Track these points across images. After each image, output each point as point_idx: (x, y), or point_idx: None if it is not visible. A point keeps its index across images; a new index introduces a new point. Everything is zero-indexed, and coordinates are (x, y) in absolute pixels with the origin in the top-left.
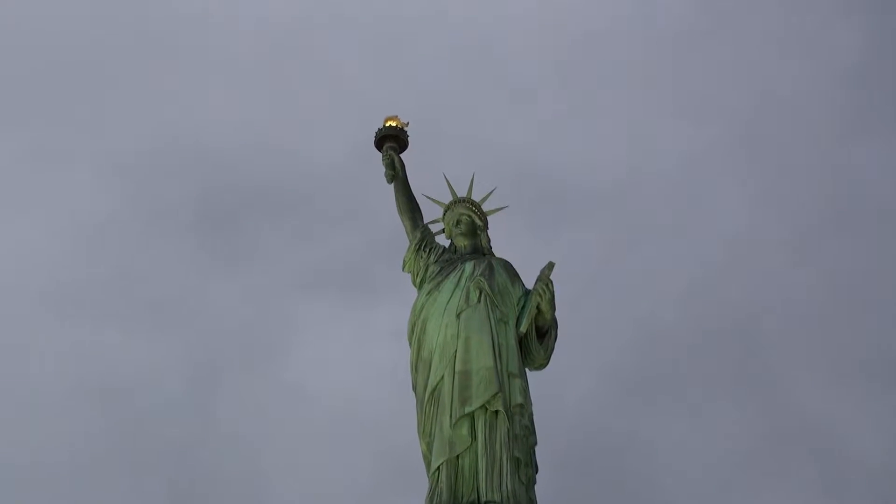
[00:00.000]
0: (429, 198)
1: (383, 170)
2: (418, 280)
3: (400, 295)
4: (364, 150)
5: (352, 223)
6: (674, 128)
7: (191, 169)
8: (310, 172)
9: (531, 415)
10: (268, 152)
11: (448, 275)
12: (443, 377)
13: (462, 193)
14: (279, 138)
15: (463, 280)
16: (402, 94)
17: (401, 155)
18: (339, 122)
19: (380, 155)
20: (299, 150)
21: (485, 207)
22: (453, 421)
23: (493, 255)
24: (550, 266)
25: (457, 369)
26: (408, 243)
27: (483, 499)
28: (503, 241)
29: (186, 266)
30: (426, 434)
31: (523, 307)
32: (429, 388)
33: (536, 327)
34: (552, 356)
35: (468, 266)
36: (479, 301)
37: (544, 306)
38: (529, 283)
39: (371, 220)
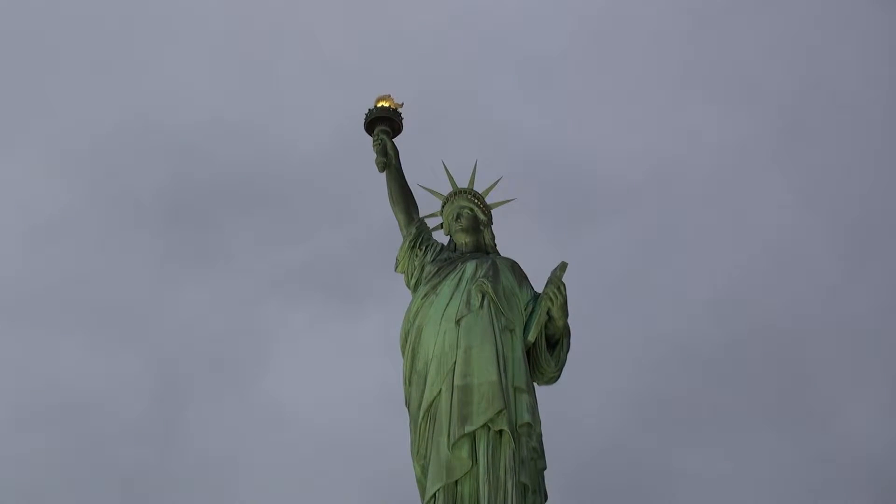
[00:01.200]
0: (425, 188)
1: (374, 157)
2: (413, 282)
3: (392, 300)
4: (353, 134)
5: (338, 219)
6: (714, 115)
7: (155, 156)
8: (291, 160)
9: (540, 435)
10: (243, 137)
11: (446, 276)
12: (440, 392)
13: (463, 183)
14: (256, 121)
15: (463, 282)
16: (395, 69)
17: (394, 140)
18: (324, 103)
19: (370, 140)
20: (279, 135)
21: (489, 200)
22: (452, 441)
23: (498, 254)
24: (563, 267)
25: (456, 383)
26: (401, 240)
27: None
28: (510, 238)
29: (150, 268)
30: (421, 456)
31: (532, 313)
32: (424, 405)
33: (546, 336)
34: (564, 369)
35: (469, 266)
36: (481, 306)
37: (556, 312)
38: (539, 286)
39: (360, 215)
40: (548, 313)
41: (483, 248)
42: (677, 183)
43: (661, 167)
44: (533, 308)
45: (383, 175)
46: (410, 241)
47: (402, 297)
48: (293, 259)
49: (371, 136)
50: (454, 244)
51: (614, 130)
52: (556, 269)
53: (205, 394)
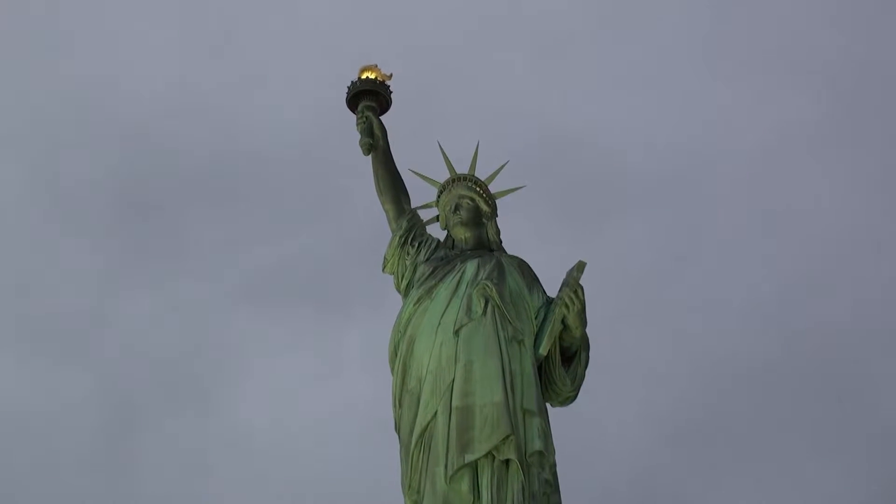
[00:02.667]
0: (418, 174)
1: (358, 137)
2: (404, 284)
3: (382, 307)
4: (339, 113)
5: (317, 214)
6: (752, 95)
7: (101, 142)
8: (265, 144)
9: (553, 466)
10: (206, 118)
11: (443, 278)
12: (436, 415)
13: (463, 169)
14: (224, 97)
15: (463, 285)
16: (386, 36)
17: (382, 117)
18: (306, 76)
19: (354, 118)
20: (248, 115)
21: (494, 188)
22: (450, 473)
23: (504, 251)
24: (580, 267)
25: (454, 405)
26: (390, 235)
27: None
28: (517, 234)
29: (96, 272)
30: (413, 490)
31: (544, 321)
32: (417, 430)
33: (561, 349)
34: (582, 388)
35: (470, 266)
36: (484, 313)
37: (572, 320)
38: (552, 290)
39: (347, 208)
40: (563, 321)
41: (486, 245)
42: (712, 172)
43: (693, 153)
44: (545, 315)
45: (369, 159)
46: (401, 237)
47: (393, 303)
48: (266, 261)
49: (355, 113)
50: (452, 240)
51: (639, 111)
52: (572, 269)
53: (159, 420)
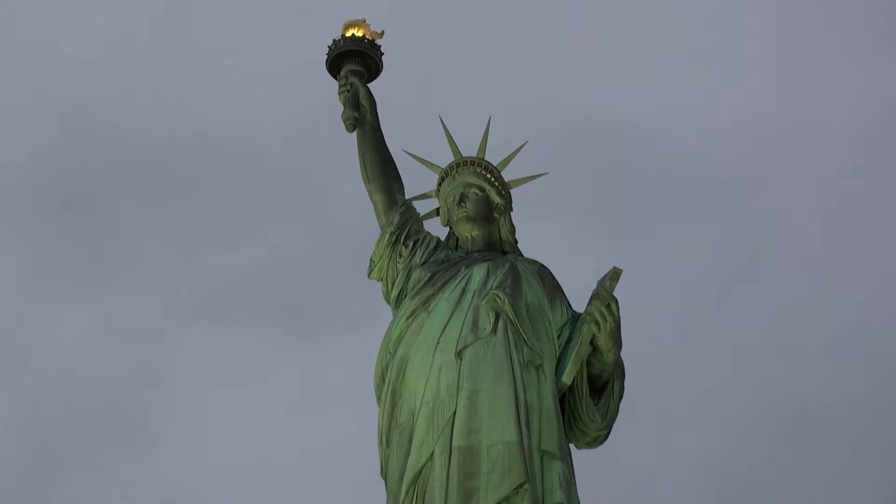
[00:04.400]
0: (414, 157)
1: (340, 110)
2: (395, 293)
3: (366, 326)
4: (315, 87)
5: (291, 212)
6: (853, 71)
7: (30, 119)
8: (227, 127)
9: None
10: (159, 94)
11: (444, 286)
12: (432, 456)
13: (471, 150)
14: (179, 73)
15: (468, 295)
16: None
17: (371, 85)
18: (277, 44)
19: (336, 87)
20: (211, 90)
21: (509, 175)
22: None
23: (520, 254)
24: (615, 275)
25: (456, 444)
26: (378, 233)
27: None
28: (538, 233)
29: (17, 282)
30: None
31: (568, 342)
32: (409, 474)
33: (589, 377)
34: (616, 425)
35: (478, 272)
36: (494, 331)
37: (603, 341)
38: (579, 304)
39: (324, 204)
40: (592, 342)
41: (497, 246)
42: (788, 166)
43: (766, 141)
44: (570, 335)
45: (354, 136)
46: (392, 234)
47: (383, 320)
48: (227, 269)
49: (337, 78)
50: (455, 239)
51: (698, 87)
52: (604, 278)
53: (92, 462)
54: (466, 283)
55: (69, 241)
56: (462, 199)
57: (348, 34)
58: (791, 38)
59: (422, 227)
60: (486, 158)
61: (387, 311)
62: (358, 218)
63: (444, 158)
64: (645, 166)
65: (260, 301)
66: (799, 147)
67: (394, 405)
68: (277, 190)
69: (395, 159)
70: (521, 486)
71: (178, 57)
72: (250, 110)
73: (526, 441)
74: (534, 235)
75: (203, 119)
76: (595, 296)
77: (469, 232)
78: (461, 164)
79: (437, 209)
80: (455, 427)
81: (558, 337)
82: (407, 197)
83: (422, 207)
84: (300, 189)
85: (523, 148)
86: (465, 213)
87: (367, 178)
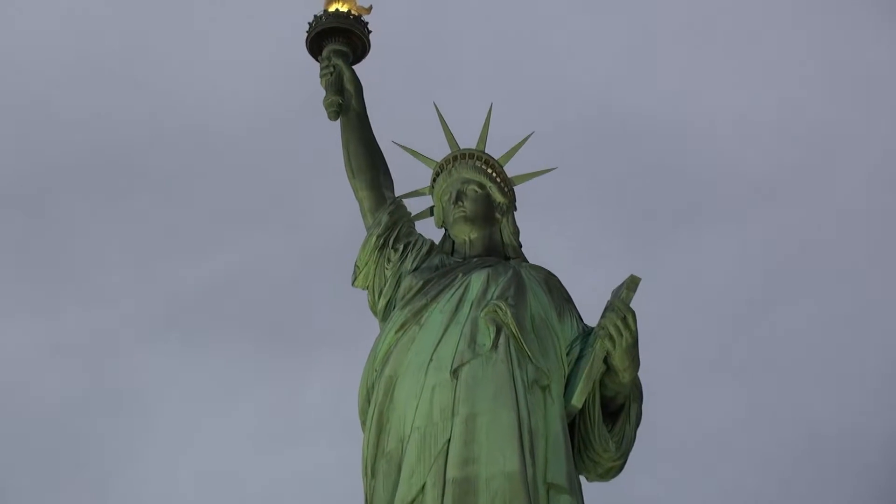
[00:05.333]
0: (406, 149)
1: (322, 95)
2: (382, 303)
3: (351, 343)
4: (294, 75)
5: (266, 215)
6: None
7: None
8: (190, 121)
9: None
10: (111, 85)
11: (438, 295)
12: (423, 489)
13: (469, 143)
14: (135, 57)
15: (466, 306)
16: None
17: (357, 67)
18: (246, 23)
19: (317, 69)
20: (172, 79)
21: (513, 171)
22: None
23: (525, 260)
24: (632, 284)
25: (450, 475)
26: (364, 235)
27: None
28: (547, 238)
29: None
30: None
31: (579, 360)
32: None
33: (603, 399)
34: (632, 454)
35: (477, 280)
36: (495, 347)
37: (618, 359)
38: (593, 318)
39: (302, 206)
40: (606, 360)
41: (499, 251)
42: (837, 166)
43: (812, 140)
44: (581, 352)
45: (338, 125)
46: (379, 236)
47: (369, 335)
48: (193, 280)
49: (318, 59)
50: (451, 243)
51: (735, 76)
52: (620, 287)
53: (34, 499)
54: (464, 293)
55: (10, 246)
56: (459, 196)
57: (331, 9)
58: (840, 23)
59: (413, 228)
60: (486, 151)
61: (374, 325)
62: (343, 219)
63: (440, 151)
64: (670, 165)
65: (230, 315)
66: (845, 148)
67: (380, 430)
68: (251, 189)
69: (383, 151)
70: None
71: (137, 40)
72: (221, 99)
73: (530, 472)
74: (541, 239)
75: (167, 110)
76: (610, 307)
77: (467, 234)
78: (459, 157)
79: (431, 208)
80: (450, 456)
81: (567, 354)
82: (397, 194)
83: (414, 206)
84: (277, 188)
85: (529, 139)
86: (463, 213)
87: (351, 173)
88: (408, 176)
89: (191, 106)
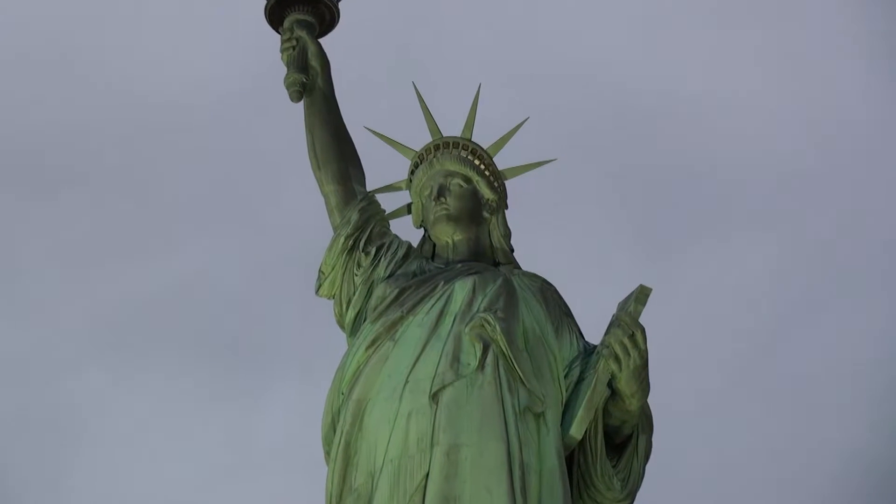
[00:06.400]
0: (378, 135)
1: (283, 73)
2: (351, 315)
3: (312, 360)
4: (250, 39)
5: (218, 216)
6: None
7: None
8: (128, 108)
9: None
10: (36, 67)
11: (416, 306)
12: None
13: (453, 129)
14: (65, 38)
15: (448, 319)
16: None
17: (324, 40)
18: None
19: (278, 42)
20: (108, 61)
21: (504, 162)
22: None
23: (518, 267)
24: (641, 297)
25: None
26: (330, 236)
27: None
28: (542, 243)
29: None
30: None
31: (579, 384)
32: None
33: (607, 429)
34: (641, 492)
35: (461, 288)
36: (481, 367)
37: (625, 382)
38: (596, 336)
39: (262, 205)
40: (610, 384)
41: (487, 255)
42: (880, 170)
43: (853, 140)
44: (582, 374)
45: (301, 108)
46: (348, 237)
47: (336, 352)
48: (135, 291)
49: (279, 31)
50: (432, 245)
51: (769, 64)
52: (627, 299)
53: None
54: (445, 304)
55: None
56: (441, 192)
57: None
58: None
59: (388, 228)
60: (473, 139)
61: (341, 340)
62: (306, 219)
63: (420, 139)
64: (689, 157)
65: (178, 331)
66: (889, 150)
67: (347, 463)
68: (198, 185)
69: (354, 139)
70: None
71: (68, 22)
72: (161, 83)
73: None
74: (536, 243)
75: (101, 96)
76: (615, 323)
77: (450, 236)
78: (441, 146)
79: (409, 205)
80: (428, 493)
81: (566, 376)
82: (369, 189)
83: (388, 203)
84: (231, 184)
85: (524, 126)
86: (446, 211)
87: (316, 164)
88: (382, 168)
89: (125, 92)
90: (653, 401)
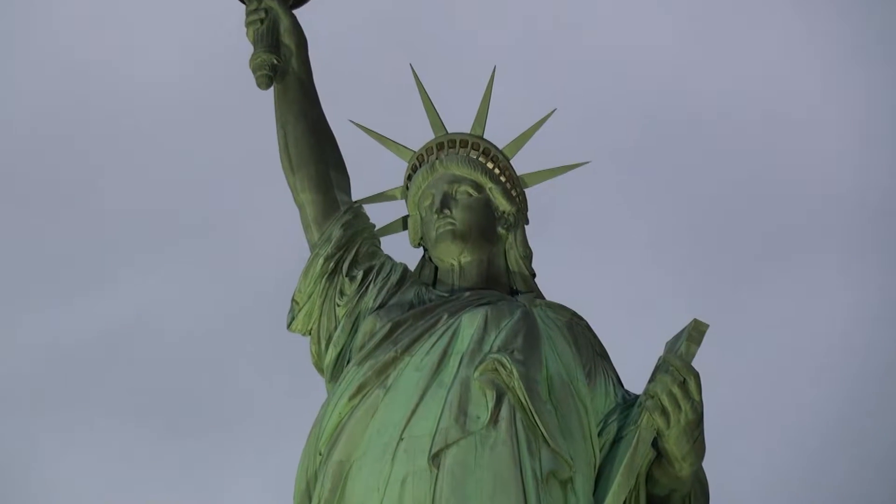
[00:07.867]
0: (367, 130)
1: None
2: (331, 355)
3: (284, 414)
4: (212, 23)
5: (173, 239)
6: None
7: None
8: (68, 114)
9: None
10: None
11: (413, 344)
12: None
13: (461, 125)
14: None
15: (453, 361)
16: None
17: (299, 12)
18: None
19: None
20: (46, 63)
21: (525, 166)
22: None
23: (541, 296)
24: (697, 332)
25: None
26: (307, 257)
27: None
28: (572, 265)
29: None
30: None
31: (617, 442)
32: None
33: (651, 499)
34: None
35: (469, 323)
36: (494, 422)
37: (674, 442)
38: (639, 385)
39: (225, 226)
40: (655, 444)
41: (502, 282)
42: None
43: None
44: (620, 431)
45: (270, 98)
46: (329, 257)
47: (313, 402)
48: (69, 330)
49: (244, 2)
50: (434, 268)
51: (859, 68)
52: (678, 337)
53: None
54: (450, 342)
55: None
56: (445, 202)
57: None
58: None
59: (378, 247)
60: (486, 137)
61: (320, 387)
62: (279, 238)
63: (420, 136)
64: (755, 172)
65: (122, 378)
66: None
67: None
68: (152, 203)
69: (337, 136)
70: None
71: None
72: (114, 85)
73: None
74: (564, 267)
75: (36, 100)
76: (663, 367)
77: (456, 257)
78: (445, 144)
79: (405, 219)
80: None
81: (600, 434)
82: (356, 198)
83: (379, 216)
84: (185, 200)
85: (549, 120)
86: (451, 227)
87: (289, 166)
88: (372, 173)
89: (58, 98)
90: (709, 467)
